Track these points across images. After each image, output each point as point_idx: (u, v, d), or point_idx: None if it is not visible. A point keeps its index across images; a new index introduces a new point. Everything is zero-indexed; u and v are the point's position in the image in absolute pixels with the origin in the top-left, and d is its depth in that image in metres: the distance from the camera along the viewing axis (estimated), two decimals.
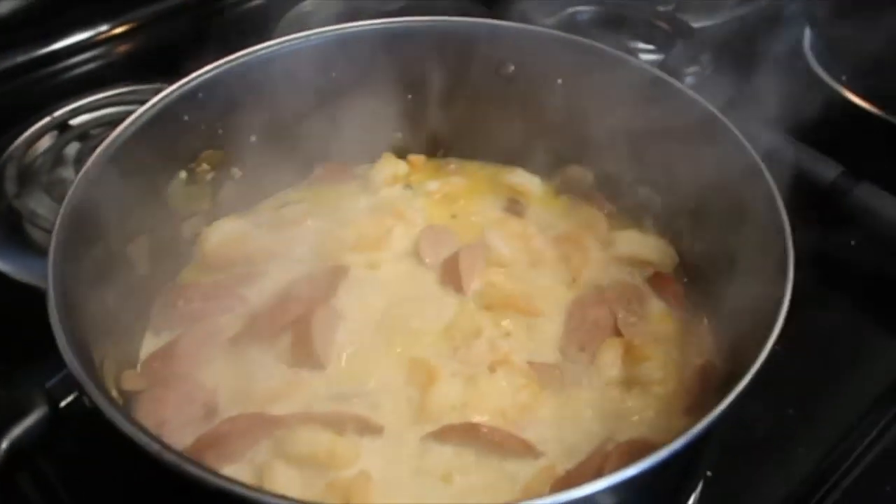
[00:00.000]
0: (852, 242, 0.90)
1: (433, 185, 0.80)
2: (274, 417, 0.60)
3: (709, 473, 0.70)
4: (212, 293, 0.70)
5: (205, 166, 0.72)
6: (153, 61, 1.08)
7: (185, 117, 0.67)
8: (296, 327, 0.66)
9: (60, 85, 1.05)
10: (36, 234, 0.87)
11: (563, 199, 0.79)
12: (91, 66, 1.08)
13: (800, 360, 0.79)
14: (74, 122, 0.99)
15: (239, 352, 0.66)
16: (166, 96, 0.66)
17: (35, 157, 0.96)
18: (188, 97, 0.68)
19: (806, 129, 0.91)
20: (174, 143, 0.67)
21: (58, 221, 0.55)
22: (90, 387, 0.44)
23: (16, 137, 0.97)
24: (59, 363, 0.47)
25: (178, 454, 0.42)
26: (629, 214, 0.76)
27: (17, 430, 0.43)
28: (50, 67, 1.06)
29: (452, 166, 0.82)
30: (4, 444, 0.42)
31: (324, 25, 0.75)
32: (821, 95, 1.09)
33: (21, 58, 1.05)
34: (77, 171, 0.87)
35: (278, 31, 1.11)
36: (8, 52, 1.04)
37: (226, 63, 0.68)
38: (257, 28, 1.05)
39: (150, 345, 0.67)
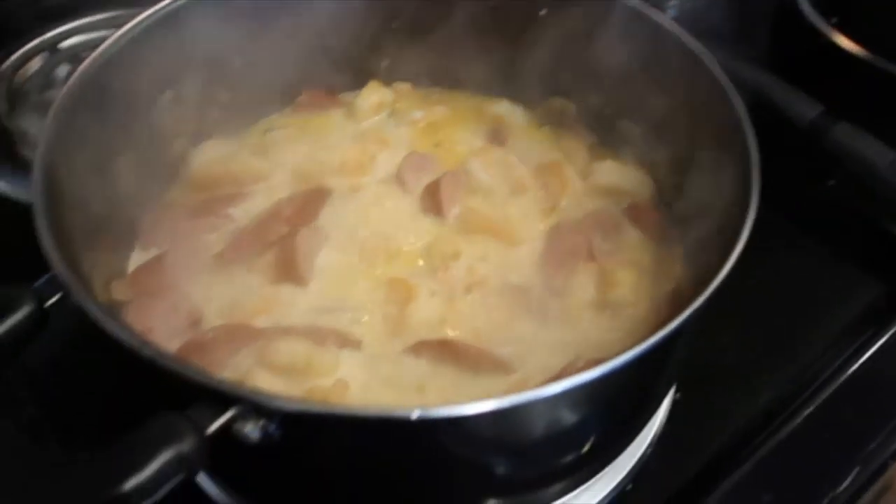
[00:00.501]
0: (830, 183, 0.92)
1: (418, 114, 0.81)
2: (256, 329, 0.62)
3: (677, 396, 0.73)
4: (198, 211, 0.72)
5: (191, 87, 0.72)
6: None
7: (171, 35, 0.68)
8: (279, 246, 0.68)
9: (50, 8, 1.05)
10: (26, 153, 0.89)
11: (545, 130, 0.80)
12: None
13: (772, 295, 0.82)
14: (64, 44, 1.00)
15: (224, 268, 0.68)
16: (150, 15, 0.67)
17: (25, 78, 0.97)
18: (171, 16, 0.68)
19: (790, 69, 0.92)
20: (159, 62, 0.68)
21: (44, 131, 0.56)
22: (74, 285, 0.46)
23: (5, 59, 0.98)
24: (47, 268, 0.49)
25: (157, 350, 0.44)
26: (609, 146, 0.78)
27: (5, 325, 0.45)
28: None
29: (437, 96, 0.83)
30: None
31: None
32: (809, 37, 1.10)
33: None
34: None
35: None
36: None
37: None
38: None
39: (137, 259, 0.69)
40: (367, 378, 0.61)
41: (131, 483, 0.39)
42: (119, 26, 0.99)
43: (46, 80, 0.96)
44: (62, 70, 0.97)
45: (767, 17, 1.11)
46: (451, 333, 0.64)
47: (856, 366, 0.75)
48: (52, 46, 0.99)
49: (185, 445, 0.41)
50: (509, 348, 0.63)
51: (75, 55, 0.98)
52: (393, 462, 0.49)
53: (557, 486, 0.60)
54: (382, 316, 0.65)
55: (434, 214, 0.72)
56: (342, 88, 0.82)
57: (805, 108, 0.86)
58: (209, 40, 0.71)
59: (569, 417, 0.49)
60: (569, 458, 0.55)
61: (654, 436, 0.69)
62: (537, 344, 0.64)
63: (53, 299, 0.49)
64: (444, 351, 0.62)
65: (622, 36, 0.71)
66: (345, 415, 0.43)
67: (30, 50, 0.99)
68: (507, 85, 0.82)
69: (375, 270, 0.68)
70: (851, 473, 0.68)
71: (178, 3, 0.68)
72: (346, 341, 0.63)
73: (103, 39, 0.98)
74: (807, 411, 0.72)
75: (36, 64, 0.98)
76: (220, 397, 0.43)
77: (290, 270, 0.67)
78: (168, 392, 0.46)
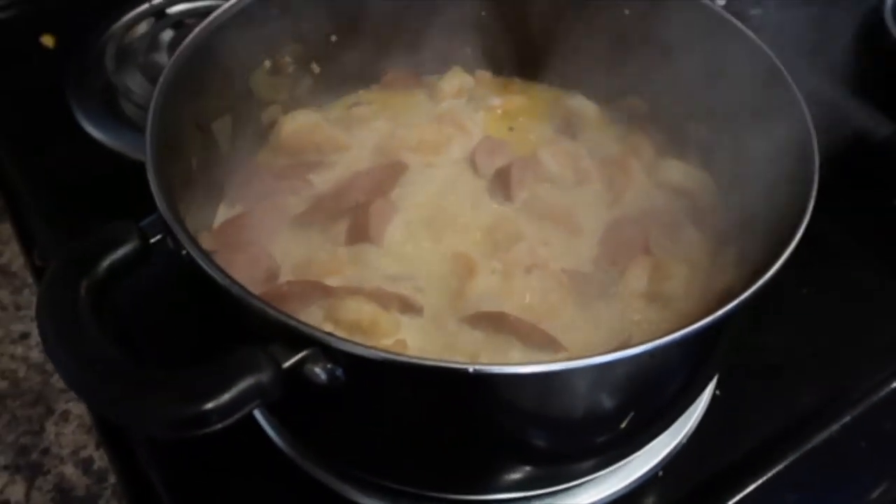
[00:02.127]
0: (895, 202, 0.93)
1: (495, 101, 0.85)
2: (327, 286, 0.67)
3: (717, 392, 0.75)
4: (283, 174, 0.77)
5: (288, 59, 0.78)
6: None
7: (274, 10, 0.73)
8: (355, 213, 0.73)
9: None
10: (129, 109, 0.96)
11: (616, 127, 0.83)
12: None
13: (825, 304, 0.84)
14: (171, 10, 1.06)
15: (302, 229, 0.73)
16: None
17: (133, 40, 1.03)
18: None
19: (870, 88, 0.93)
20: (262, 34, 0.73)
21: (156, 90, 0.62)
22: (176, 226, 0.52)
23: (116, 20, 1.05)
24: (150, 210, 0.55)
25: (245, 289, 0.49)
26: (675, 145, 0.80)
27: (115, 255, 0.51)
28: None
29: (516, 85, 0.87)
30: (105, 264, 0.50)
31: None
32: (893, 53, 1.09)
33: None
34: (170, 56, 0.96)
35: None
36: None
37: None
38: None
39: (223, 214, 0.75)
40: (425, 343, 0.66)
41: (213, 403, 0.45)
42: None
43: (152, 43, 1.02)
44: (166, 35, 1.04)
45: (851, 32, 1.12)
46: (506, 309, 0.68)
47: None
48: (159, 12, 1.06)
49: (264, 376, 0.46)
50: (560, 328, 0.67)
51: (180, 21, 1.05)
52: (443, 414, 0.53)
53: (591, 462, 0.64)
54: (444, 287, 0.69)
55: (502, 197, 0.76)
56: (426, 71, 0.86)
57: (879, 126, 0.87)
58: (308, 17, 0.76)
59: (611, 392, 0.52)
60: (606, 433, 0.58)
61: (690, 428, 0.72)
62: (588, 327, 0.68)
63: (156, 238, 0.54)
64: (500, 323, 0.66)
65: (702, 41, 0.74)
66: (407, 363, 0.47)
67: (139, 14, 1.06)
68: (584, 80, 0.85)
69: (442, 243, 0.72)
70: (880, 487, 0.70)
71: None
72: (409, 307, 0.67)
73: (207, 7, 1.06)
74: (843, 420, 0.73)
75: (143, 27, 1.05)
76: (297, 337, 0.48)
77: (362, 237, 0.71)
78: (251, 328, 0.51)
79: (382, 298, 0.67)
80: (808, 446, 0.71)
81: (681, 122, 0.80)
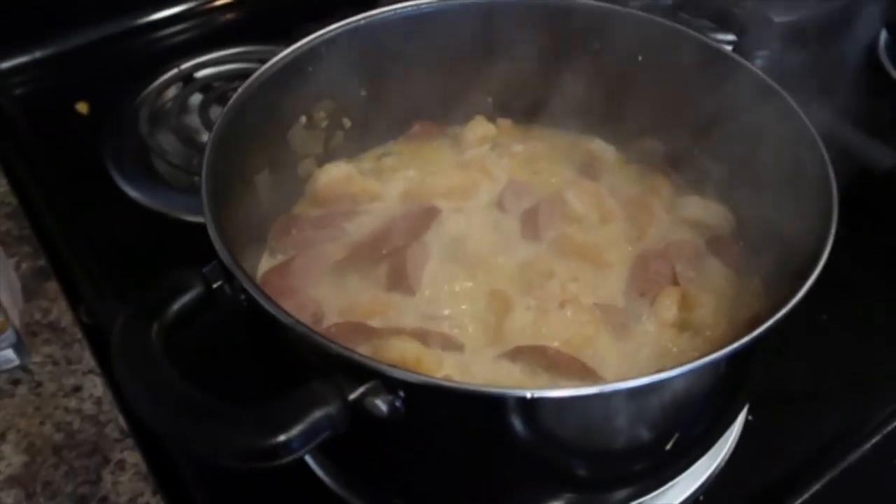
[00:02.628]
0: None
1: (518, 147, 0.89)
2: (372, 328, 0.70)
3: (750, 418, 0.78)
4: (320, 224, 0.80)
5: (322, 114, 0.82)
6: (266, 26, 1.20)
7: (310, 69, 0.78)
8: (392, 257, 0.76)
9: (188, 41, 1.17)
10: (163, 169, 1.00)
11: (634, 167, 0.87)
12: (214, 25, 1.21)
13: (844, 331, 0.86)
14: (198, 74, 1.11)
15: (342, 275, 0.76)
16: (296, 49, 0.76)
17: (164, 103, 1.08)
18: (313, 52, 0.77)
19: (871, 124, 0.97)
20: (299, 91, 0.78)
21: (208, 147, 0.66)
22: (238, 272, 0.55)
23: (147, 86, 1.10)
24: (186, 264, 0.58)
25: (309, 327, 0.52)
26: (692, 183, 0.84)
27: (183, 301, 0.54)
28: (178, 25, 1.19)
29: (536, 132, 0.91)
30: (174, 309, 0.53)
31: None
32: (891, 95, 1.15)
33: (153, 16, 1.18)
34: (201, 119, 1.00)
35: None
36: (142, 10, 1.17)
37: (347, 24, 0.78)
38: None
39: (266, 264, 0.78)
40: (468, 377, 0.68)
41: (287, 434, 0.47)
42: (247, 60, 1.13)
43: (182, 106, 1.07)
44: (195, 98, 1.08)
45: (850, 71, 1.17)
46: (543, 342, 0.70)
47: None
48: (187, 76, 1.11)
49: (332, 408, 0.49)
50: (596, 360, 0.70)
51: (208, 84, 1.09)
52: (496, 442, 0.56)
53: (637, 486, 0.66)
54: (482, 324, 0.72)
55: (531, 237, 0.79)
56: (451, 122, 0.90)
57: (883, 157, 0.91)
58: (340, 73, 0.80)
59: (660, 412, 0.55)
60: (653, 455, 0.61)
61: (727, 452, 0.74)
62: (622, 357, 0.70)
63: (217, 283, 0.57)
64: (539, 356, 0.68)
65: (714, 83, 0.78)
66: (469, 391, 0.50)
67: (168, 79, 1.10)
68: (601, 124, 0.89)
69: (477, 282, 0.75)
70: None
71: (318, 40, 0.77)
72: (450, 343, 0.70)
73: (232, 71, 1.12)
74: (875, 440, 0.76)
75: (173, 91, 1.10)
76: (360, 370, 0.51)
77: (400, 280, 0.75)
78: (312, 365, 0.54)
79: (425, 337, 0.69)
80: (843, 465, 0.73)
81: (697, 160, 0.84)
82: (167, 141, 1.03)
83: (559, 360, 0.68)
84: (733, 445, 0.75)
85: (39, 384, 0.77)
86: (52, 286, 0.86)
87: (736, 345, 0.54)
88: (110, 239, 0.92)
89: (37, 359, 0.79)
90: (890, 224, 0.96)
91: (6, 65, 1.14)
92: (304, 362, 0.56)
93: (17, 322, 0.77)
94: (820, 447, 0.76)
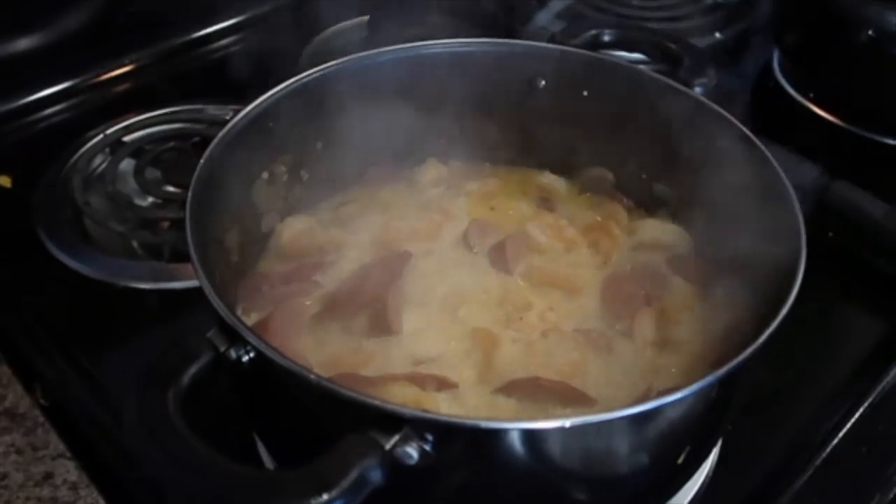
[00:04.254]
0: (830, 234, 1.03)
1: (472, 185, 0.90)
2: (366, 377, 0.69)
3: (729, 427, 0.81)
4: (290, 278, 0.79)
5: (282, 168, 0.81)
6: (193, 84, 1.18)
7: (270, 124, 0.77)
8: (371, 305, 0.76)
9: (113, 103, 1.14)
10: (99, 235, 0.96)
11: (586, 196, 0.91)
12: (139, 85, 1.18)
13: (795, 334, 0.92)
14: (127, 139, 1.08)
15: (322, 327, 0.75)
16: (256, 107, 0.76)
17: (94, 168, 1.04)
18: (270, 109, 0.77)
19: (780, 138, 1.05)
20: (262, 147, 0.77)
21: (187, 215, 0.64)
22: (248, 334, 0.54)
23: (73, 153, 1.06)
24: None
25: (334, 382, 0.52)
26: (645, 207, 0.88)
27: (196, 367, 0.52)
28: (103, 90, 1.16)
29: (487, 170, 0.93)
30: (189, 374, 0.51)
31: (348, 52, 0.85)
32: (792, 109, 1.24)
33: (74, 80, 1.15)
34: (138, 183, 0.97)
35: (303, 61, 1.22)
36: (64, 75, 1.13)
37: (305, 77, 0.79)
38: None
39: None
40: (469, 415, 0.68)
41: (337, 490, 0.46)
42: (177, 121, 1.10)
43: (114, 173, 1.03)
44: (127, 164, 1.05)
45: (753, 92, 1.26)
46: (534, 373, 0.72)
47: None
48: (116, 141, 1.07)
49: (373, 460, 0.48)
50: (587, 384, 0.71)
51: (139, 148, 1.06)
52: (527, 474, 0.56)
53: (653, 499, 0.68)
54: (472, 361, 0.73)
55: (502, 271, 0.81)
56: (403, 165, 0.91)
57: (807, 169, 0.97)
58: (297, 128, 0.80)
59: (681, 425, 0.57)
60: (668, 469, 0.63)
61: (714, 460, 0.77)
62: (611, 379, 0.72)
63: (223, 347, 0.56)
64: (534, 388, 0.69)
65: (656, 110, 0.82)
66: (504, 427, 0.51)
67: (95, 145, 1.06)
68: (548, 158, 0.92)
69: (458, 321, 0.76)
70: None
71: (280, 94, 0.77)
72: (445, 384, 0.70)
73: (163, 132, 1.09)
74: (844, 429, 0.80)
75: (103, 157, 1.06)
76: (393, 418, 0.50)
77: (383, 328, 0.74)
78: (341, 419, 0.53)
79: (419, 380, 0.69)
80: (821, 458, 0.77)
81: (647, 185, 0.88)
82: (103, 207, 0.99)
83: (554, 388, 0.69)
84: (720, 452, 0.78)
85: (5, 476, 0.72)
86: (4, 371, 0.81)
87: (739, 358, 0.57)
88: (56, 313, 0.88)
89: None
90: (820, 231, 1.02)
91: None
92: (330, 418, 0.55)
93: None
94: (792, 445, 0.80)
